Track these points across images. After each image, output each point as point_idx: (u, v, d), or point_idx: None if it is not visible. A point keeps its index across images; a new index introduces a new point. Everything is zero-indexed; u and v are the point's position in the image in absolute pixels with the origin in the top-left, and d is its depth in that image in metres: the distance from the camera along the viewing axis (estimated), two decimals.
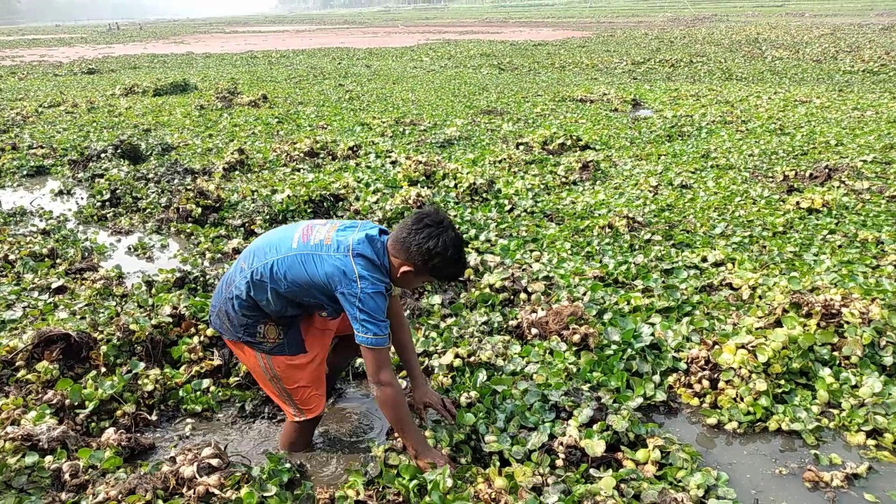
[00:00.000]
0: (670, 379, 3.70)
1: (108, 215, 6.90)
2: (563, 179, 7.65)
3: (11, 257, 5.48)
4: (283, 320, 2.99)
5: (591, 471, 2.88)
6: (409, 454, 2.94)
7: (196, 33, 56.75)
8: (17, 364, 3.66)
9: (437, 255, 2.73)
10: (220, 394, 3.64)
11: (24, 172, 8.75)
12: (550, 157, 8.75)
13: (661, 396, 3.52)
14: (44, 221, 6.68)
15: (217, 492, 2.64)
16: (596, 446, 2.95)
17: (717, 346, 3.69)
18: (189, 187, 6.92)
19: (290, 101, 14.54)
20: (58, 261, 5.48)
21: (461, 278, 2.88)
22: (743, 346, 3.63)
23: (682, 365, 3.74)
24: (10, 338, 3.91)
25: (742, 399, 3.44)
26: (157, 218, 6.61)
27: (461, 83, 17.18)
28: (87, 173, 8.27)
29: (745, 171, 7.98)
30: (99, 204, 7.14)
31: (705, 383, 3.57)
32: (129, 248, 6.01)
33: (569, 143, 9.17)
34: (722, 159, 8.52)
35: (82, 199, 7.63)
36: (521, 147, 9.09)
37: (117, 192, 7.25)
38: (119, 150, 8.90)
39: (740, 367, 3.53)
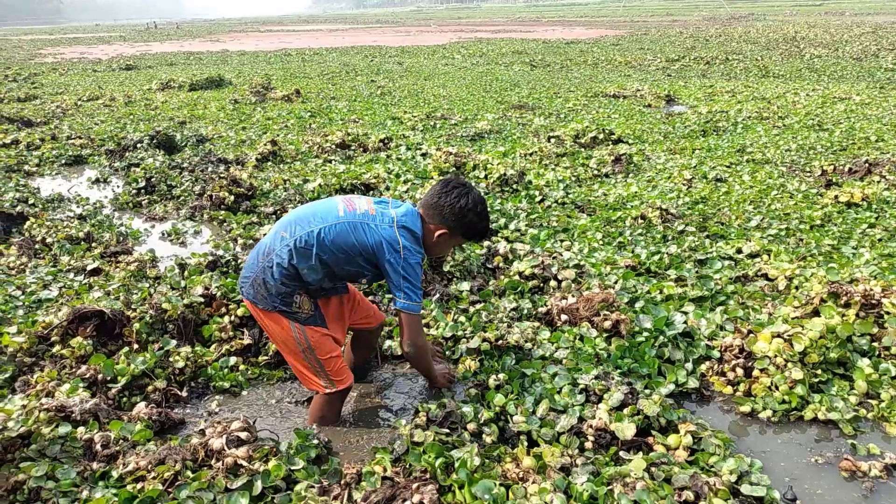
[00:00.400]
0: (703, 367, 3.63)
1: (142, 202, 7.01)
2: (595, 172, 7.57)
3: (49, 240, 5.59)
4: (317, 293, 3.08)
5: (621, 454, 2.83)
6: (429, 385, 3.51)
7: (231, 32, 57.48)
8: (53, 340, 3.72)
9: (469, 210, 3.01)
10: (248, 372, 3.67)
11: (63, 161, 8.93)
12: (582, 150, 8.67)
13: (693, 384, 3.46)
14: (80, 207, 6.80)
15: (245, 464, 2.65)
16: (626, 429, 2.90)
17: (751, 335, 3.61)
18: (222, 176, 7.00)
19: (323, 97, 14.63)
20: (93, 244, 5.57)
21: (487, 238, 3.13)
22: (779, 335, 3.55)
23: (716, 353, 3.67)
24: (46, 315, 3.97)
25: (777, 388, 3.36)
26: (191, 205, 6.69)
27: (492, 79, 17.14)
28: (123, 163, 8.40)
29: (782, 165, 7.82)
30: (134, 191, 7.25)
31: (739, 371, 3.49)
32: (163, 234, 6.09)
33: (601, 136, 9.07)
34: (758, 154, 8.36)
35: (118, 187, 7.76)
36: (553, 140, 9.02)
37: (152, 180, 7.36)
38: (154, 141, 9.04)
39: (776, 356, 3.45)
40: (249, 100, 13.96)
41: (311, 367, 3.07)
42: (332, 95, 14.77)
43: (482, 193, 3.13)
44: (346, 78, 18.58)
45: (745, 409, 3.32)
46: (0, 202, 6.30)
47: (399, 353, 3.83)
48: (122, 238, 5.83)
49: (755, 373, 3.46)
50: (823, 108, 11.52)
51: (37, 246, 5.51)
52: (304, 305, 3.04)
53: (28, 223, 5.96)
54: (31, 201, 6.78)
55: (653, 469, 2.72)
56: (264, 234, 3.16)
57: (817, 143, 8.84)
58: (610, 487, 2.59)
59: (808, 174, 7.42)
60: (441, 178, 3.20)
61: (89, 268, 5.00)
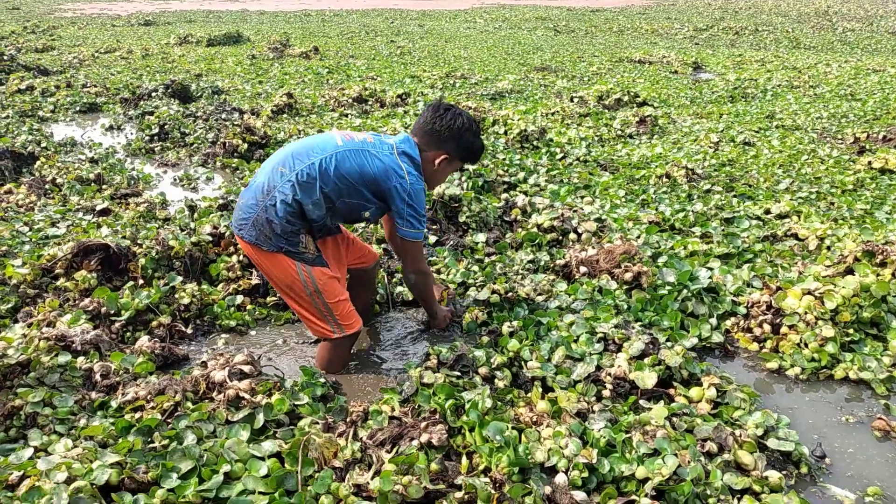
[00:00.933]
0: (728, 323, 3.48)
1: (155, 149, 6.89)
2: (619, 132, 7.35)
3: (59, 181, 5.49)
4: (317, 233, 2.97)
5: (642, 402, 2.70)
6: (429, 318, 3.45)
7: None
8: (57, 272, 3.62)
9: (466, 130, 2.97)
10: (256, 312, 3.56)
11: (77, 108, 8.81)
12: (606, 111, 8.44)
13: (717, 338, 3.31)
14: (92, 152, 6.69)
15: (247, 396, 2.54)
16: (647, 378, 2.76)
17: (780, 291, 3.44)
18: (236, 123, 6.85)
19: (341, 54, 14.39)
20: (104, 186, 5.47)
21: (481, 159, 3.29)
22: (809, 293, 3.38)
23: (742, 309, 3.51)
24: (51, 248, 3.87)
25: (806, 345, 3.20)
26: (204, 152, 6.56)
27: (515, 43, 16.79)
28: (137, 111, 8.27)
29: (813, 132, 7.56)
30: (147, 138, 7.13)
31: (766, 328, 3.33)
32: (175, 179, 5.97)
33: (626, 98, 8.82)
34: (788, 120, 8.10)
35: (131, 134, 7.64)
36: (576, 101, 8.78)
37: (165, 127, 7.23)
38: (170, 90, 8.90)
39: (806, 313, 3.28)
40: (267, 56, 13.75)
41: (319, 311, 2.94)
42: (351, 54, 14.52)
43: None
44: (366, 38, 18.28)
45: (772, 365, 3.17)
46: (12, 142, 6.19)
47: (410, 299, 3.71)
48: (133, 181, 5.72)
49: (783, 329, 3.30)
50: (856, 78, 11.15)
51: (47, 186, 5.41)
52: (309, 245, 2.92)
53: (38, 163, 5.86)
54: (43, 144, 6.68)
55: (674, 419, 2.59)
56: (255, 173, 2.98)
57: (850, 111, 8.55)
58: (629, 435, 2.46)
59: (840, 141, 7.16)
60: (428, 104, 3.08)
61: (98, 208, 4.89)
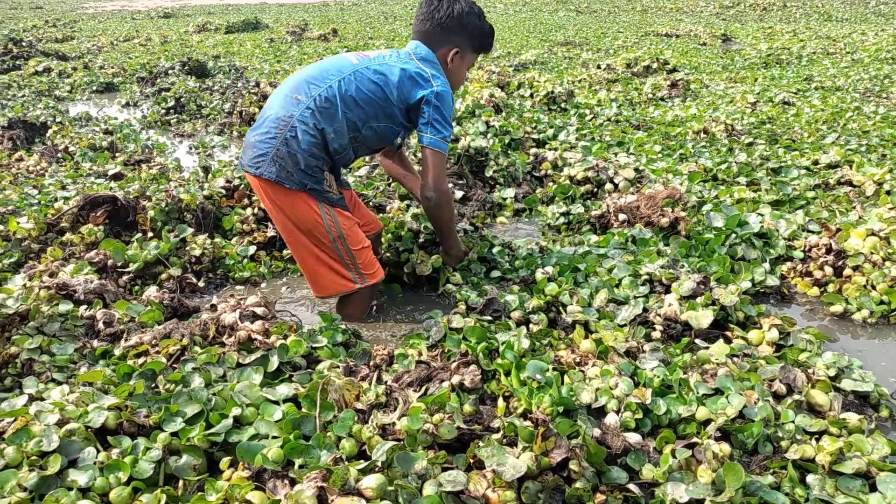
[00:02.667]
0: (783, 268, 3.18)
1: (171, 121, 6.71)
2: (650, 96, 7.03)
3: (72, 149, 5.32)
4: (334, 171, 2.75)
5: (698, 341, 2.42)
6: (443, 253, 3.08)
7: None
8: (62, 227, 3.43)
9: (468, 13, 2.69)
10: (272, 265, 3.33)
11: (94, 88, 8.68)
12: (635, 78, 8.11)
13: (772, 282, 3.01)
14: (107, 125, 6.52)
15: (260, 337, 2.31)
16: (701, 317, 2.49)
17: (841, 232, 3.14)
18: (252, 91, 6.64)
19: (360, 37, 14.16)
20: (117, 154, 5.29)
21: (491, 45, 2.91)
22: (874, 234, 3.08)
23: (798, 254, 3.21)
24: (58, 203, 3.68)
25: (874, 287, 2.90)
26: (220, 122, 6.37)
27: (536, 23, 16.45)
28: (153, 88, 8.11)
29: (855, 92, 7.17)
30: (163, 111, 6.96)
31: (828, 270, 3.03)
32: (190, 148, 5.78)
33: (655, 66, 8.48)
34: (827, 82, 7.71)
35: (148, 110, 7.47)
36: (603, 68, 8.46)
37: (182, 100, 7.06)
38: (186, 68, 8.73)
39: (871, 254, 2.98)
40: (285, 39, 13.59)
41: (341, 259, 2.69)
42: (370, 36, 14.29)
43: None
44: (385, 23, 18.04)
45: (837, 309, 2.87)
46: (24, 113, 6.04)
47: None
48: (147, 150, 5.54)
49: (847, 272, 3.00)
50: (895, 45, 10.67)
51: (59, 154, 5.24)
52: (332, 185, 2.68)
53: (50, 132, 5.69)
54: (58, 119, 6.52)
55: (735, 360, 2.31)
56: (264, 107, 2.71)
57: (892, 73, 8.12)
58: (685, 375, 2.19)
59: (886, 99, 6.77)
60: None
61: (111, 173, 4.71)
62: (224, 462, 1.83)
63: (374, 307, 3.01)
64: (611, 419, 1.98)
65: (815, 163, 4.55)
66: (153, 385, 2.17)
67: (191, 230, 3.32)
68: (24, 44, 11.06)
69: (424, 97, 2.56)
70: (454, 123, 5.05)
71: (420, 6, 2.74)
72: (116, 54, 12.01)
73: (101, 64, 10.14)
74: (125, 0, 40.08)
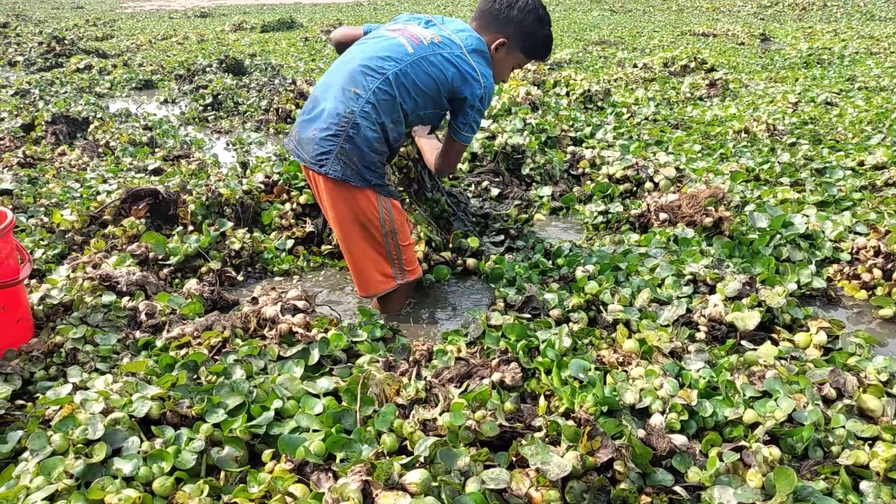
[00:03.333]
0: (829, 270, 3.11)
1: (209, 118, 6.78)
2: (688, 95, 6.92)
3: (112, 144, 5.40)
4: (390, 160, 2.76)
5: (744, 343, 2.37)
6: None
7: None
8: (105, 220, 3.47)
9: (529, 11, 2.60)
10: (311, 261, 3.34)
11: (133, 85, 8.80)
12: (672, 77, 8.00)
13: (818, 284, 2.94)
14: (146, 121, 6.61)
15: (301, 330, 2.31)
16: (748, 319, 2.43)
17: (890, 234, 3.05)
18: (289, 88, 6.69)
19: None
20: (156, 149, 5.36)
21: (547, 56, 2.83)
22: None
23: (845, 255, 3.13)
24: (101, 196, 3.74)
25: None
26: (257, 119, 6.42)
27: (570, 22, 16.33)
28: (191, 85, 8.20)
29: None
30: (201, 108, 7.03)
31: (877, 273, 2.95)
32: (228, 144, 5.84)
33: (692, 65, 8.35)
34: (871, 83, 7.51)
35: (185, 107, 7.56)
36: (640, 67, 8.35)
37: (219, 97, 7.14)
38: (223, 65, 8.83)
39: None
40: (320, 38, 13.66)
41: (388, 254, 2.66)
42: None
43: None
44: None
45: (887, 312, 2.79)
46: (66, 108, 6.15)
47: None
48: (185, 146, 5.60)
49: None
50: None
51: (100, 149, 5.33)
52: (391, 177, 2.71)
53: (92, 127, 5.79)
54: (99, 115, 6.63)
55: (783, 363, 2.26)
56: (311, 92, 2.70)
57: None
58: (731, 378, 2.14)
59: None
60: None
61: (151, 167, 4.77)
62: (266, 454, 1.84)
63: (412, 304, 3.00)
64: (656, 420, 1.94)
65: (861, 164, 4.44)
66: (195, 376, 2.19)
67: (230, 224, 3.35)
68: (66, 42, 11.28)
69: (469, 100, 2.56)
70: (489, 120, 5.03)
71: None
72: (154, 52, 12.19)
73: (139, 62, 10.29)
74: (162, 0, 40.74)
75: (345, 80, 2.51)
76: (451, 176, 3.21)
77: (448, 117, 2.74)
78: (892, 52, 9.69)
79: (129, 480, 1.76)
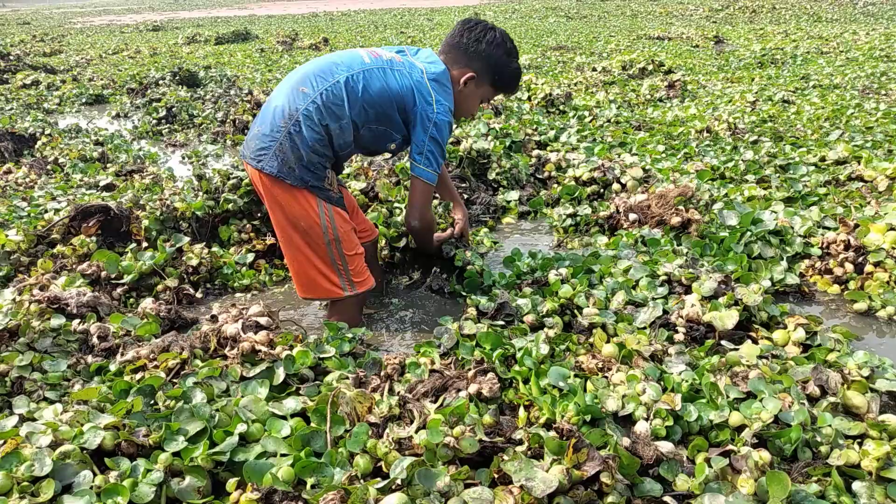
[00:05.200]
0: (801, 265, 3.09)
1: (163, 131, 6.59)
2: (647, 97, 6.95)
3: (62, 160, 5.18)
4: (336, 168, 2.63)
5: (724, 343, 2.31)
6: None
7: (262, 0, 56.85)
8: (53, 238, 3.30)
9: (497, 46, 2.57)
10: (273, 274, 3.21)
11: (83, 101, 8.54)
12: (631, 80, 8.04)
13: (791, 280, 2.91)
14: (98, 136, 6.39)
15: (264, 349, 2.18)
16: (726, 318, 2.38)
17: (860, 228, 3.04)
18: (246, 99, 6.53)
19: (351, 45, 14.08)
20: (108, 165, 5.16)
21: (516, 89, 2.83)
22: (893, 228, 2.98)
23: (816, 250, 3.11)
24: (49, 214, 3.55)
25: None
26: (213, 131, 6.25)
27: (527, 29, 16.41)
28: (144, 99, 7.98)
29: (853, 90, 7.12)
30: (154, 121, 6.83)
31: (849, 267, 2.94)
32: (183, 157, 5.66)
33: (650, 67, 8.41)
34: (825, 80, 7.65)
35: (139, 121, 7.34)
36: (598, 71, 8.38)
37: (173, 109, 6.94)
38: (177, 78, 8.61)
39: (893, 249, 2.89)
40: (276, 49, 13.49)
41: (333, 263, 2.55)
42: (361, 44, 14.21)
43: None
44: (375, 31, 17.98)
45: (860, 306, 2.77)
46: (12, 125, 5.90)
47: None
48: (139, 160, 5.41)
49: (868, 268, 2.90)
50: (889, 43, 10.66)
51: (49, 166, 5.11)
52: (333, 182, 2.57)
53: (39, 143, 5.55)
54: (47, 131, 6.38)
55: (765, 362, 2.20)
56: (268, 96, 2.60)
57: (889, 70, 8.09)
58: (714, 380, 2.08)
59: (885, 96, 6.72)
60: (459, 21, 2.68)
61: (102, 183, 4.58)
62: (231, 483, 1.71)
63: (371, 315, 2.89)
64: (641, 427, 1.87)
65: (823, 159, 4.47)
66: (152, 402, 2.04)
67: (187, 239, 3.20)
68: (11, 57, 10.92)
69: (421, 116, 2.47)
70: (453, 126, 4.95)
71: (455, 26, 2.65)
72: (105, 67, 11.88)
73: (90, 76, 10.01)
74: (113, 14, 39.96)
75: (297, 81, 2.48)
76: (425, 229, 2.79)
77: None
78: (841, 52, 9.92)
79: None
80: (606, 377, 2.10)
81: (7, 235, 3.28)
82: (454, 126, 2.70)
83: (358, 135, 2.50)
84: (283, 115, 2.43)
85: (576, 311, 2.60)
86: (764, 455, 1.73)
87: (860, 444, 1.85)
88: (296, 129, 2.41)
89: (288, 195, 2.47)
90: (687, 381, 2.05)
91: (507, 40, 2.62)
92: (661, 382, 2.08)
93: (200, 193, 3.75)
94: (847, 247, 3.04)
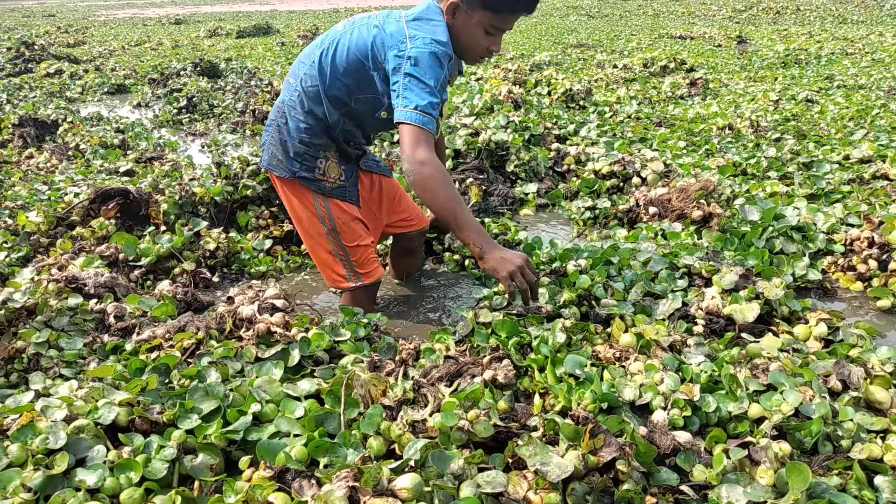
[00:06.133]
0: (823, 262, 3.04)
1: (183, 120, 6.62)
2: (669, 95, 6.88)
3: (83, 146, 5.23)
4: (342, 156, 2.54)
5: (744, 335, 2.28)
6: (472, 252, 2.23)
7: None
8: (73, 221, 3.32)
9: None
10: (290, 261, 3.21)
11: (105, 90, 8.62)
12: (652, 77, 7.97)
13: (813, 276, 2.86)
14: (119, 124, 6.44)
15: (280, 330, 2.18)
16: (747, 311, 2.34)
17: (885, 225, 2.99)
18: (266, 90, 6.55)
19: None
20: (128, 152, 5.19)
21: (525, 8, 2.26)
22: None
23: (839, 247, 3.06)
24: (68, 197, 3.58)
25: None
26: (233, 121, 6.27)
27: (548, 27, 16.35)
28: (165, 89, 8.03)
29: (879, 90, 7.01)
30: (175, 111, 6.87)
31: (872, 264, 2.88)
32: (203, 146, 5.69)
33: (672, 65, 8.34)
34: (850, 81, 7.55)
35: (159, 110, 7.39)
36: (619, 68, 8.32)
37: (193, 99, 6.98)
38: (198, 69, 8.66)
39: None
40: (297, 43, 13.53)
41: (336, 254, 2.56)
42: None
43: None
44: None
45: (884, 303, 2.72)
46: (35, 111, 5.96)
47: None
48: (158, 148, 5.44)
49: (892, 265, 2.85)
50: None
51: (70, 152, 5.15)
52: (329, 172, 2.50)
53: (61, 129, 5.60)
54: (69, 118, 6.44)
55: (786, 355, 2.17)
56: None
57: None
58: (734, 372, 2.04)
59: None
60: None
61: (122, 170, 4.61)
62: (244, 461, 1.70)
63: (396, 302, 2.88)
64: (658, 416, 1.84)
65: (847, 158, 4.40)
66: (167, 380, 2.05)
67: (205, 224, 3.21)
68: (35, 47, 11.04)
69: (393, 57, 2.16)
70: (472, 116, 4.92)
71: None
72: (128, 58, 11.98)
73: (112, 66, 10.10)
74: (136, 8, 40.32)
75: (289, 73, 2.51)
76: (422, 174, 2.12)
77: None
78: (866, 53, 9.77)
79: (93, 493, 1.61)
80: (624, 367, 2.08)
81: (27, 217, 3.30)
82: (457, 64, 2.39)
83: (350, 110, 2.39)
84: (275, 110, 2.51)
85: (593, 301, 2.57)
86: (784, 447, 1.70)
87: (883, 439, 1.81)
88: (283, 121, 2.45)
89: (286, 187, 2.53)
90: (706, 372, 2.02)
91: None
92: (680, 373, 2.05)
93: (220, 179, 3.76)
94: (871, 244, 2.98)
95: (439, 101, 2.17)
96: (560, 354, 2.13)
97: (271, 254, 3.23)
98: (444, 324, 2.72)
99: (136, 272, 2.98)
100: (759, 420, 1.89)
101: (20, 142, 5.27)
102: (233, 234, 3.32)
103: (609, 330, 2.31)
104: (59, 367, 2.21)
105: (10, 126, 5.45)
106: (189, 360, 2.16)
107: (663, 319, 2.44)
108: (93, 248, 3.08)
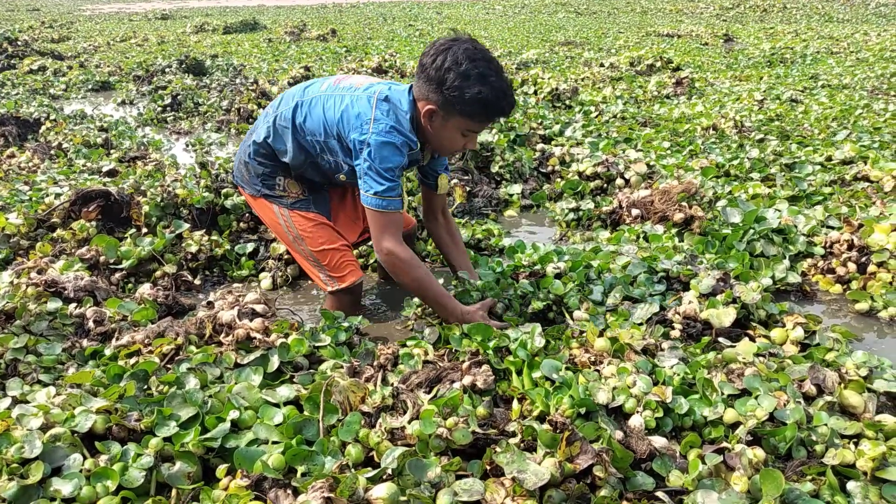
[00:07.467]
0: (803, 265, 3.06)
1: (167, 118, 6.58)
2: (655, 94, 6.91)
3: (65, 146, 5.18)
4: (305, 181, 2.69)
5: (721, 340, 2.30)
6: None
7: None
8: (53, 223, 3.29)
9: (448, 70, 2.18)
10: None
11: (90, 87, 8.54)
12: (638, 76, 7.99)
13: (793, 279, 2.89)
14: (102, 122, 6.39)
15: (259, 336, 2.18)
16: (723, 316, 2.36)
17: (864, 228, 3.02)
18: (251, 88, 6.52)
19: (360, 37, 14.05)
20: (111, 151, 5.16)
21: (501, 114, 2.33)
22: None
23: (819, 250, 3.09)
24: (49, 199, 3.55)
25: None
26: (218, 119, 6.24)
27: (536, 24, 16.35)
28: (150, 86, 7.97)
29: (863, 90, 7.07)
30: (159, 108, 6.82)
31: (851, 267, 2.91)
32: (187, 145, 5.65)
33: (658, 64, 8.36)
34: (834, 80, 7.60)
35: (143, 107, 7.34)
36: (606, 67, 8.34)
37: (178, 97, 6.93)
38: (183, 66, 8.61)
39: None
40: (284, 39, 13.47)
41: (308, 259, 2.66)
42: (370, 36, 14.19)
43: (478, 46, 2.26)
44: (384, 24, 17.94)
45: (862, 306, 2.75)
46: (17, 109, 5.90)
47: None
48: (142, 147, 5.40)
49: (871, 268, 2.88)
50: None
51: (52, 151, 5.10)
52: (290, 189, 2.66)
53: (44, 128, 5.55)
54: (52, 116, 6.38)
55: (761, 360, 2.19)
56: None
57: None
58: (709, 376, 2.06)
59: (895, 97, 6.66)
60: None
61: (105, 169, 4.57)
62: (221, 469, 1.70)
63: (376, 304, 2.88)
64: (635, 421, 1.85)
65: (829, 159, 4.44)
66: (145, 387, 2.04)
67: (187, 226, 3.19)
68: (19, 43, 10.92)
69: (354, 141, 2.31)
70: None
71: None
72: (113, 54, 11.88)
73: (96, 63, 10.01)
74: (122, 3, 39.96)
75: (274, 101, 2.67)
76: (392, 264, 2.38)
77: None
78: (851, 52, 9.85)
79: (69, 502, 1.61)
80: (598, 370, 2.09)
81: (7, 219, 3.27)
82: (417, 150, 2.44)
83: (315, 163, 2.55)
84: (249, 132, 2.69)
85: (564, 311, 2.57)
86: (758, 453, 1.72)
87: (856, 444, 1.83)
88: (248, 144, 2.66)
89: (255, 203, 2.73)
90: (679, 375, 2.04)
91: (464, 60, 2.19)
92: (653, 376, 2.06)
93: (201, 183, 3.74)
94: (850, 246, 3.01)
95: (397, 185, 2.33)
96: (537, 358, 2.14)
97: (254, 257, 3.21)
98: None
99: (117, 275, 2.96)
100: (735, 425, 1.91)
101: (1, 141, 5.22)
102: (215, 236, 3.30)
103: (585, 334, 2.32)
104: (38, 373, 2.20)
105: None
106: (168, 365, 2.16)
107: (640, 324, 2.45)
108: (73, 250, 3.06)
